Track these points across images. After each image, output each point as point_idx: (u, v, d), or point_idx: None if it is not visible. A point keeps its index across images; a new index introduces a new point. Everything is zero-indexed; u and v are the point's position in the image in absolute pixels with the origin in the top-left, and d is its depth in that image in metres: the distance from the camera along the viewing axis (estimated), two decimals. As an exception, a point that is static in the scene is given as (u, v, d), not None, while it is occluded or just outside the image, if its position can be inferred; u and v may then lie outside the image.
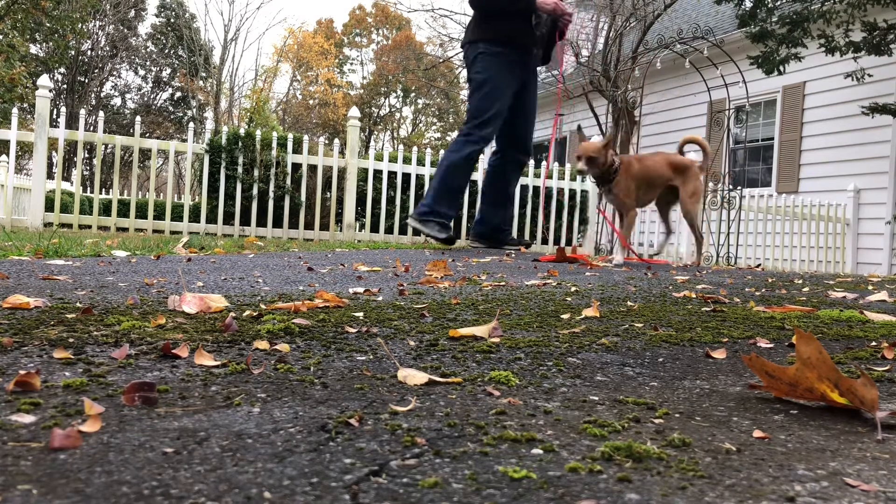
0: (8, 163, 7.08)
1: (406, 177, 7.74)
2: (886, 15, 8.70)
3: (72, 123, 18.80)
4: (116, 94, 34.36)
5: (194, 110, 33.46)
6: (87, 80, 29.99)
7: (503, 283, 2.62)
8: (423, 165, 7.65)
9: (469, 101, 5.00)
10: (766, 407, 1.05)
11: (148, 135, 27.55)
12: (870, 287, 3.05)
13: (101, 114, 7.97)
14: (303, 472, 0.71)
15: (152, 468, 0.70)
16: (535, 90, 5.16)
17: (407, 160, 7.66)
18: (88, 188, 17.29)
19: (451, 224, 4.95)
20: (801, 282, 3.26)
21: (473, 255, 4.25)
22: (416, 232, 7.76)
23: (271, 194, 7.11)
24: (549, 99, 14.42)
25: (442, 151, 7.74)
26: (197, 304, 1.68)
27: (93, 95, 31.06)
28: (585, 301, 2.17)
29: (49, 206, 6.87)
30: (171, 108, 34.75)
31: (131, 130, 15.98)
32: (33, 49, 24.66)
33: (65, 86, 29.25)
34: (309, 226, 7.36)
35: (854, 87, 9.05)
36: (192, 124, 7.94)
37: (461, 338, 1.47)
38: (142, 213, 7.29)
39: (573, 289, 2.54)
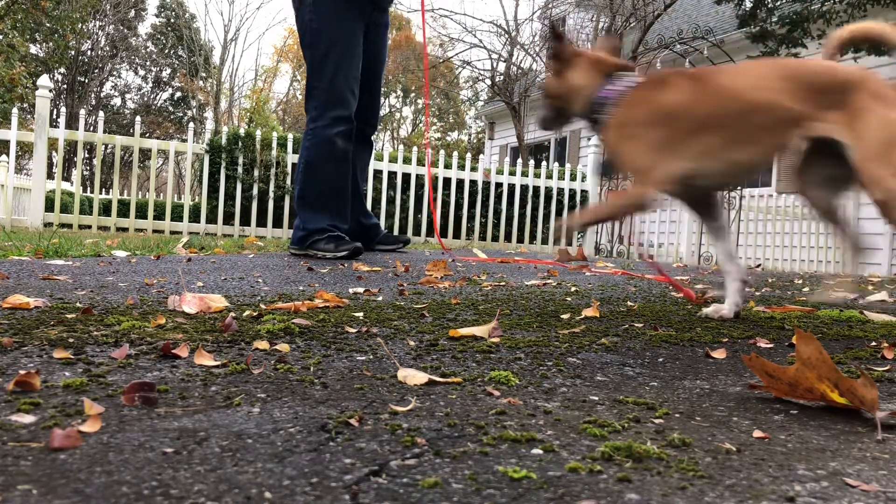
0: (8, 163, 7.08)
1: (406, 177, 7.74)
2: (886, 15, 8.70)
3: (72, 123, 18.77)
4: (116, 94, 34.40)
5: (194, 110, 33.46)
6: (87, 80, 29.99)
7: (503, 283, 2.62)
8: (423, 166, 7.65)
9: (306, 59, 3.56)
10: (766, 407, 1.05)
11: (148, 135, 27.55)
12: (870, 287, 3.05)
13: (101, 114, 7.97)
14: (303, 472, 0.71)
15: (152, 468, 0.70)
16: (385, 37, 3.80)
17: (407, 160, 7.66)
18: (88, 188, 17.28)
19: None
20: (801, 282, 3.26)
21: (473, 255, 4.25)
22: (417, 231, 7.77)
23: (271, 194, 7.11)
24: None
25: (442, 152, 7.78)
26: (197, 304, 1.68)
27: (93, 95, 31.06)
28: (585, 301, 2.17)
29: (49, 206, 6.87)
30: (171, 108, 34.76)
31: (131, 130, 15.97)
32: (33, 49, 24.67)
33: (65, 86, 29.24)
34: (309, 226, 7.35)
35: (854, 87, 9.04)
36: (192, 124, 7.94)
37: (461, 338, 1.47)
38: (142, 213, 7.28)
39: (573, 289, 2.54)
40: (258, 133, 7.20)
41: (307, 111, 3.55)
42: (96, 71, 30.67)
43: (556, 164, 8.37)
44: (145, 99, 34.38)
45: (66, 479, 0.66)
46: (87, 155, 26.99)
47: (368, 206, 7.40)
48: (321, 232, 3.44)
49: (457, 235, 7.76)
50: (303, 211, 3.53)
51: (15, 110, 6.60)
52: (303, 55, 3.59)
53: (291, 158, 7.22)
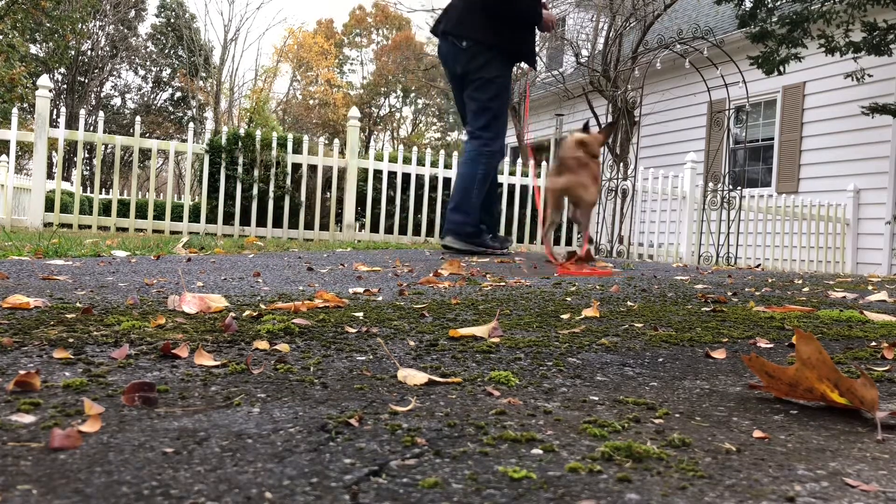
0: (8, 163, 7.08)
1: (406, 177, 7.75)
2: (886, 15, 8.69)
3: (72, 123, 18.80)
4: (116, 94, 34.39)
5: (194, 110, 33.45)
6: (87, 80, 29.98)
7: (503, 283, 2.62)
8: (423, 165, 7.64)
9: (487, 103, 4.53)
10: (766, 407, 1.05)
11: (148, 135, 27.54)
12: (870, 287, 3.05)
13: (101, 114, 7.97)
14: (303, 472, 0.71)
15: (152, 468, 0.70)
16: None
17: (407, 160, 7.66)
18: (88, 188, 17.26)
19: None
20: (801, 282, 3.26)
21: (472, 256, 4.25)
22: (417, 231, 7.76)
23: (271, 194, 7.11)
24: (547, 99, 14.42)
25: (442, 152, 7.77)
26: (197, 304, 1.68)
27: (93, 95, 31.05)
28: (585, 301, 2.17)
29: (49, 206, 6.87)
30: (171, 108, 34.75)
31: (131, 130, 15.98)
32: (33, 49, 24.65)
33: (65, 86, 29.24)
34: (309, 226, 7.36)
35: (854, 87, 9.04)
36: (192, 124, 7.94)
37: (461, 338, 1.47)
38: (142, 213, 7.29)
39: (573, 289, 2.54)
40: (258, 133, 7.20)
41: (485, 134, 4.51)
42: (96, 71, 30.66)
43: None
44: (145, 99, 34.37)
45: (66, 479, 0.66)
46: (87, 155, 26.99)
47: (369, 205, 7.43)
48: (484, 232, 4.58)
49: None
50: (474, 212, 4.49)
51: (15, 110, 6.60)
52: (480, 96, 4.48)
53: (291, 158, 7.22)
